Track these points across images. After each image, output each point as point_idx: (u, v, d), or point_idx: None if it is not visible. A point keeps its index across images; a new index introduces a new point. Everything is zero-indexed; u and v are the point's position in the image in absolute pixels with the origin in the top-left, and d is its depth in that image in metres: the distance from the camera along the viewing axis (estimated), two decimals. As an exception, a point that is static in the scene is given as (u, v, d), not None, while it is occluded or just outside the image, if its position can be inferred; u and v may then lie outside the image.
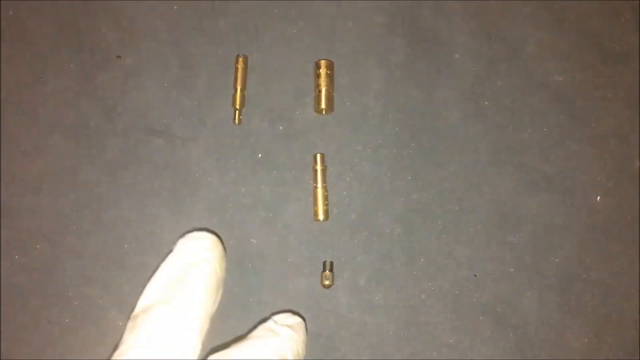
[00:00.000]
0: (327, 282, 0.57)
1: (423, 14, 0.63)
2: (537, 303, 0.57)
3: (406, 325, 0.57)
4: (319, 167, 0.59)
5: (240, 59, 0.61)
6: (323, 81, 0.60)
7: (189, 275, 0.43)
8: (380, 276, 0.58)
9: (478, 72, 0.62)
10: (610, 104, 0.61)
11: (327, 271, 0.57)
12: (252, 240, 0.58)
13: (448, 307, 0.58)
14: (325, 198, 0.58)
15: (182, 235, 0.46)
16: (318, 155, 0.59)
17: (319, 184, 0.58)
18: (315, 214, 0.58)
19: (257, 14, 0.62)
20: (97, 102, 0.61)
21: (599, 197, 0.60)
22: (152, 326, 0.40)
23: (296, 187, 0.59)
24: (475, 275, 0.58)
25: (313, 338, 0.56)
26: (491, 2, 0.63)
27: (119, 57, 0.62)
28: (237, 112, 0.60)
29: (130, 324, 0.41)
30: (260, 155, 0.60)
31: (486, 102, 0.61)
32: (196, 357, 0.40)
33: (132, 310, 0.42)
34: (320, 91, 0.60)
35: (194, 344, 0.40)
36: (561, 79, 0.62)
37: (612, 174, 0.60)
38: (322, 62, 0.60)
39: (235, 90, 0.60)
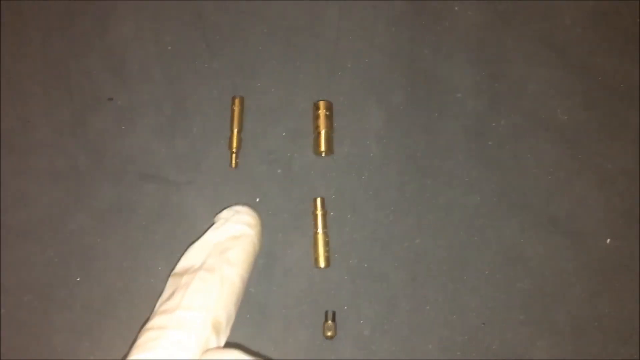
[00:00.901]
0: (329, 333, 0.54)
1: (423, 53, 0.61)
2: (549, 353, 0.55)
3: (413, 378, 0.54)
4: (319, 212, 0.57)
5: (237, 101, 0.59)
6: (322, 122, 0.58)
7: (232, 247, 0.47)
8: (385, 326, 0.55)
9: (480, 112, 0.60)
10: (617, 142, 0.60)
11: (330, 321, 0.55)
12: (250, 289, 0.56)
13: (456, 357, 0.55)
14: (326, 244, 0.56)
15: (228, 207, 0.51)
16: (318, 200, 0.57)
17: (320, 230, 0.56)
18: (316, 260, 0.56)
19: (253, 54, 0.61)
20: (88, 146, 0.59)
21: (608, 240, 0.58)
22: (196, 290, 0.43)
23: (296, 232, 0.57)
24: (483, 324, 0.56)
25: (315, 393, 0.54)
26: (492, 40, 0.62)
27: (110, 99, 0.60)
28: (233, 155, 0.58)
29: (173, 281, 0.45)
30: (258, 200, 0.58)
31: (489, 142, 0.60)
32: (230, 325, 0.44)
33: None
34: (319, 133, 0.58)
35: (229, 313, 0.44)
36: (565, 117, 0.61)
37: (621, 215, 0.58)
38: (321, 103, 0.59)
39: (232, 132, 0.58)
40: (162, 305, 0.43)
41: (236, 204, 0.52)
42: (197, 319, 0.41)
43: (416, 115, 0.60)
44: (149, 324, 0.41)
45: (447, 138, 0.60)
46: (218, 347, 0.42)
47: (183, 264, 0.47)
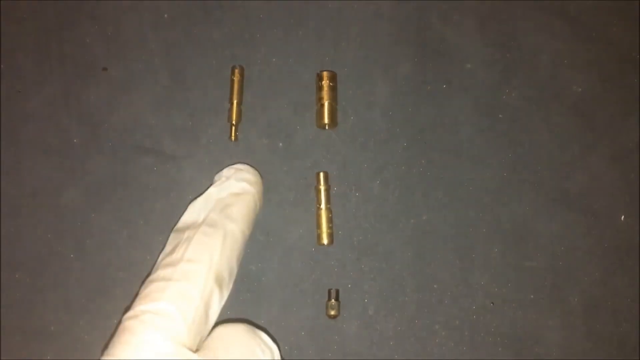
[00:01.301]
0: (332, 312, 0.53)
1: (432, 21, 0.59)
2: (560, 333, 0.53)
3: (418, 359, 0.53)
4: (322, 187, 0.54)
5: (236, 71, 0.57)
6: (326, 94, 0.56)
7: (233, 204, 0.47)
8: (390, 305, 0.53)
9: (491, 83, 0.58)
10: (632, 116, 0.58)
11: (333, 300, 0.53)
12: (251, 267, 0.54)
13: (463, 338, 0.53)
14: (330, 220, 0.54)
15: (229, 166, 0.51)
16: (321, 174, 0.55)
17: (323, 205, 0.54)
18: (319, 237, 0.54)
19: (254, 22, 0.58)
20: (82, 118, 0.56)
21: (622, 217, 0.56)
22: (199, 243, 0.44)
23: (298, 208, 0.55)
24: (492, 304, 0.54)
25: (318, 374, 0.52)
26: (504, 9, 0.59)
27: (104, 69, 0.58)
28: (233, 127, 0.56)
29: (175, 236, 0.46)
30: (258, 175, 0.55)
31: (500, 115, 0.57)
32: (232, 280, 0.45)
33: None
34: (322, 105, 0.56)
35: (232, 267, 0.45)
36: (580, 89, 0.58)
37: (636, 192, 0.56)
38: (325, 74, 0.56)
39: (231, 104, 0.56)
40: (165, 258, 0.44)
41: (237, 162, 0.52)
42: (201, 271, 0.42)
43: (424, 87, 0.58)
44: (153, 276, 0.42)
45: (455, 111, 0.57)
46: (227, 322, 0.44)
47: (185, 219, 0.48)
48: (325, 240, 0.54)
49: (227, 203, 0.47)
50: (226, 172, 0.51)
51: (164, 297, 0.40)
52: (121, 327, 0.40)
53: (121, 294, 0.53)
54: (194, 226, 0.46)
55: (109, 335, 0.50)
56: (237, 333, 0.43)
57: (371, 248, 0.55)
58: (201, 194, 0.49)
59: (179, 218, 0.48)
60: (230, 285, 0.45)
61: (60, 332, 0.53)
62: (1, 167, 0.55)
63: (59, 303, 0.53)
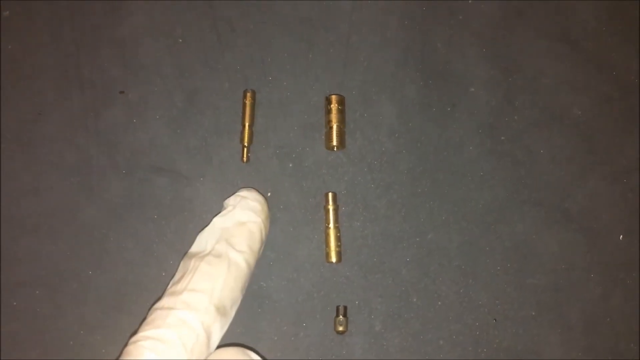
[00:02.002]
0: (340, 328, 0.54)
1: (437, 46, 0.61)
2: (561, 349, 0.55)
3: (424, 373, 0.54)
4: (330, 207, 0.56)
5: (248, 94, 0.59)
6: (334, 117, 0.58)
7: (238, 234, 0.49)
8: (396, 321, 0.55)
9: (494, 106, 0.60)
10: (631, 137, 0.60)
11: (341, 316, 0.55)
12: (262, 283, 0.56)
13: (467, 353, 0.55)
14: (338, 239, 0.56)
15: (235, 193, 0.52)
16: (330, 194, 0.57)
17: (331, 224, 0.56)
18: (328, 255, 0.56)
19: (265, 47, 0.60)
20: (99, 139, 0.58)
21: (621, 236, 0.58)
22: (203, 273, 0.45)
23: (307, 227, 0.57)
24: (495, 320, 0.56)
25: (326, 388, 0.54)
26: (506, 34, 0.61)
27: (122, 92, 0.60)
28: (245, 149, 0.58)
29: (183, 264, 0.48)
30: (269, 194, 0.57)
31: (502, 137, 0.59)
32: (234, 308, 0.47)
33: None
34: (331, 127, 0.58)
35: (234, 297, 0.46)
36: (580, 112, 0.60)
37: (635, 211, 0.58)
38: (333, 97, 0.58)
39: (243, 126, 0.58)
40: (171, 287, 0.46)
41: (243, 188, 0.54)
42: (203, 300, 0.44)
43: (429, 110, 0.60)
44: (158, 304, 0.44)
45: (460, 133, 0.59)
46: (225, 346, 0.45)
47: (193, 248, 0.49)
48: (333, 259, 0.56)
49: (232, 233, 0.49)
50: (232, 200, 0.52)
51: (165, 324, 0.42)
52: (125, 350, 0.42)
53: (136, 310, 0.55)
54: (200, 255, 0.47)
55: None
56: (230, 356, 0.44)
57: (378, 266, 0.56)
58: (209, 223, 0.50)
59: (190, 246, 0.50)
60: (233, 314, 0.47)
61: (77, 346, 0.54)
62: (21, 186, 0.57)
63: (77, 319, 0.55)
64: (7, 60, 0.60)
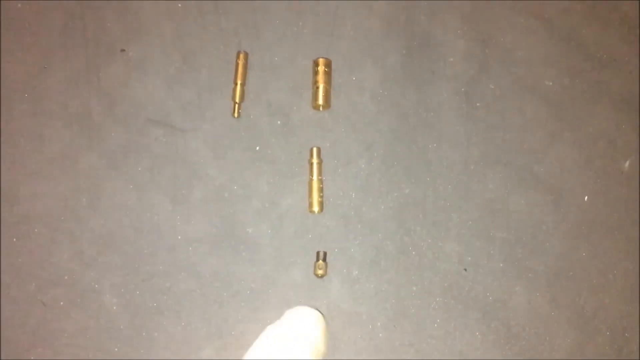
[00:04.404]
0: (320, 272, 0.58)
1: (418, 19, 0.65)
2: (526, 297, 0.58)
3: (396, 316, 0.58)
4: (314, 161, 0.60)
5: (241, 55, 0.63)
6: (321, 78, 0.62)
7: (294, 346, 0.49)
8: (373, 268, 0.59)
9: (471, 75, 0.64)
10: (597, 108, 0.63)
11: (321, 261, 0.58)
12: (248, 229, 0.59)
13: (438, 300, 0.58)
14: (320, 190, 0.60)
15: (291, 308, 0.54)
16: (314, 149, 0.60)
17: (315, 177, 0.60)
18: (310, 205, 0.59)
19: (258, 13, 0.64)
20: (100, 93, 0.62)
21: (586, 197, 0.61)
22: None
23: (292, 179, 0.61)
24: (465, 270, 0.59)
25: (305, 326, 0.57)
26: (485, 9, 0.65)
27: (123, 50, 0.64)
28: (236, 105, 0.62)
29: None
30: (257, 148, 0.61)
31: (478, 104, 0.63)
32: None
33: None
34: (317, 87, 0.62)
35: None
36: (550, 83, 0.64)
37: (599, 175, 0.62)
38: (321, 60, 0.62)
39: (235, 84, 0.62)
40: None
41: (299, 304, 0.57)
42: None
43: (410, 76, 0.64)
44: None
45: (438, 98, 0.63)
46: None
47: None
48: (315, 208, 0.59)
49: (287, 346, 0.50)
50: (288, 314, 0.53)
51: None
52: None
53: (129, 249, 0.58)
54: None
55: (116, 285, 0.56)
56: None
57: (357, 217, 0.60)
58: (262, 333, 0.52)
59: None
60: None
61: (71, 281, 0.58)
62: (25, 132, 0.61)
63: (72, 256, 0.58)
64: (15, 18, 0.64)
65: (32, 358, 0.56)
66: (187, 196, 0.60)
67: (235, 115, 0.62)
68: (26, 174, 0.60)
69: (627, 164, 0.62)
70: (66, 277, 0.58)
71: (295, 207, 0.60)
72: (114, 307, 0.57)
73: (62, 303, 0.57)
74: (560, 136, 0.63)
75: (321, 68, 0.62)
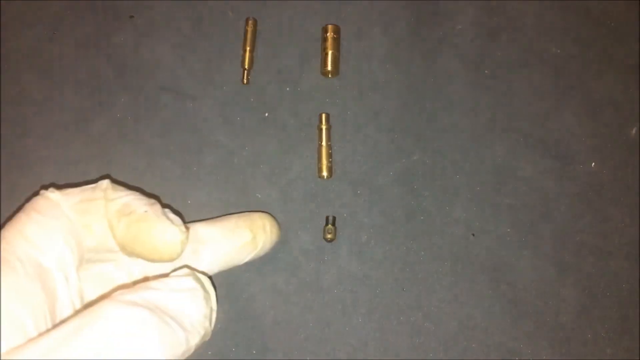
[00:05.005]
0: (329, 236, 0.58)
1: (427, -14, 0.65)
2: (532, 261, 0.59)
3: (404, 280, 0.58)
4: (323, 126, 0.60)
5: (250, 22, 0.63)
6: (330, 44, 0.62)
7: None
8: (381, 232, 0.59)
9: (479, 43, 0.64)
10: (604, 75, 0.64)
11: (330, 225, 0.59)
12: (257, 194, 0.60)
13: (445, 264, 0.59)
14: (329, 156, 0.60)
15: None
16: (323, 115, 0.61)
17: (324, 142, 0.60)
18: (320, 170, 0.60)
19: (268, -21, 0.65)
20: (110, 58, 0.63)
21: (593, 164, 0.62)
22: None
23: (301, 145, 0.61)
24: (472, 235, 0.60)
25: (315, 290, 0.58)
26: (492, -24, 0.66)
27: (131, 17, 0.64)
28: (245, 72, 0.62)
29: None
30: (266, 115, 0.62)
31: (486, 71, 0.64)
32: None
33: None
34: (326, 54, 0.62)
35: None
36: (558, 51, 0.64)
37: (606, 142, 0.62)
38: (329, 27, 0.62)
39: (244, 50, 0.62)
40: None
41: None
42: None
43: (418, 43, 0.64)
44: None
45: (446, 65, 0.63)
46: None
47: None
48: (325, 173, 0.60)
49: None
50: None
51: None
52: None
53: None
54: None
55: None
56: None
57: (366, 182, 0.60)
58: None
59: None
60: None
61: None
62: (35, 97, 0.61)
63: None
64: (25, -17, 0.64)
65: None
66: (197, 162, 0.60)
67: (245, 81, 0.62)
68: (36, 138, 0.60)
69: (633, 131, 0.62)
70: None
71: (305, 173, 0.60)
72: (126, 271, 0.58)
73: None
74: (567, 103, 0.63)
75: (330, 35, 0.62)
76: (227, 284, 0.58)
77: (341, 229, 0.59)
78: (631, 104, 0.63)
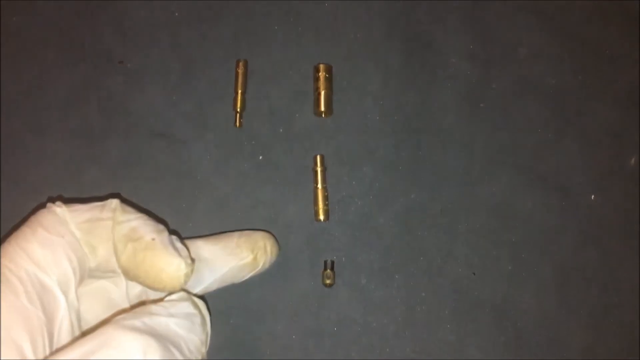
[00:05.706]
0: (328, 281, 0.58)
1: (419, 18, 0.64)
2: (535, 300, 0.58)
3: (406, 324, 0.58)
4: (319, 168, 0.60)
5: (241, 63, 0.62)
6: (322, 84, 0.61)
7: None
8: (381, 275, 0.59)
9: (473, 75, 0.63)
10: (601, 104, 0.63)
11: (328, 270, 0.58)
12: (254, 240, 0.59)
13: (447, 304, 0.58)
14: (326, 198, 0.59)
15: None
16: (318, 157, 0.60)
17: (319, 185, 0.59)
18: (316, 214, 0.59)
19: (257, 19, 0.64)
20: (101, 105, 0.62)
21: (593, 196, 0.61)
22: None
23: (297, 188, 0.60)
24: (473, 274, 0.59)
25: (314, 336, 0.57)
26: (486, 7, 0.65)
27: (121, 62, 0.63)
28: (237, 114, 0.61)
29: None
30: (260, 157, 0.61)
31: (481, 104, 0.63)
32: None
33: None
34: (319, 94, 0.61)
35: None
36: (554, 81, 0.64)
37: (605, 173, 0.61)
38: (321, 66, 0.61)
39: (236, 93, 0.61)
40: None
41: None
42: None
43: (412, 78, 0.63)
44: None
45: (441, 100, 0.63)
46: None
47: None
48: (322, 217, 0.59)
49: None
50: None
51: None
52: None
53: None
54: None
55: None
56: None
57: (363, 224, 0.60)
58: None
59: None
60: None
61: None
62: (26, 149, 0.60)
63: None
64: (10, 31, 0.63)
65: None
66: (191, 207, 0.60)
67: (237, 124, 0.61)
68: (28, 191, 0.59)
69: (632, 160, 0.62)
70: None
71: (301, 216, 0.60)
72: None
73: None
74: (565, 135, 0.62)
75: (322, 74, 0.61)
76: (227, 331, 0.57)
77: (340, 272, 0.58)
78: (629, 133, 0.62)
